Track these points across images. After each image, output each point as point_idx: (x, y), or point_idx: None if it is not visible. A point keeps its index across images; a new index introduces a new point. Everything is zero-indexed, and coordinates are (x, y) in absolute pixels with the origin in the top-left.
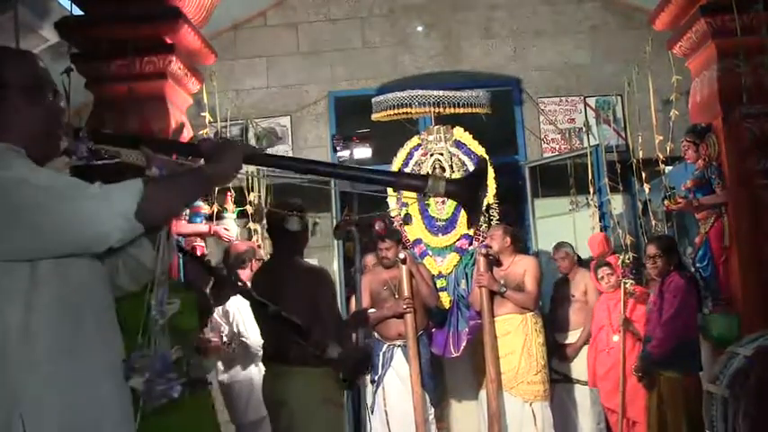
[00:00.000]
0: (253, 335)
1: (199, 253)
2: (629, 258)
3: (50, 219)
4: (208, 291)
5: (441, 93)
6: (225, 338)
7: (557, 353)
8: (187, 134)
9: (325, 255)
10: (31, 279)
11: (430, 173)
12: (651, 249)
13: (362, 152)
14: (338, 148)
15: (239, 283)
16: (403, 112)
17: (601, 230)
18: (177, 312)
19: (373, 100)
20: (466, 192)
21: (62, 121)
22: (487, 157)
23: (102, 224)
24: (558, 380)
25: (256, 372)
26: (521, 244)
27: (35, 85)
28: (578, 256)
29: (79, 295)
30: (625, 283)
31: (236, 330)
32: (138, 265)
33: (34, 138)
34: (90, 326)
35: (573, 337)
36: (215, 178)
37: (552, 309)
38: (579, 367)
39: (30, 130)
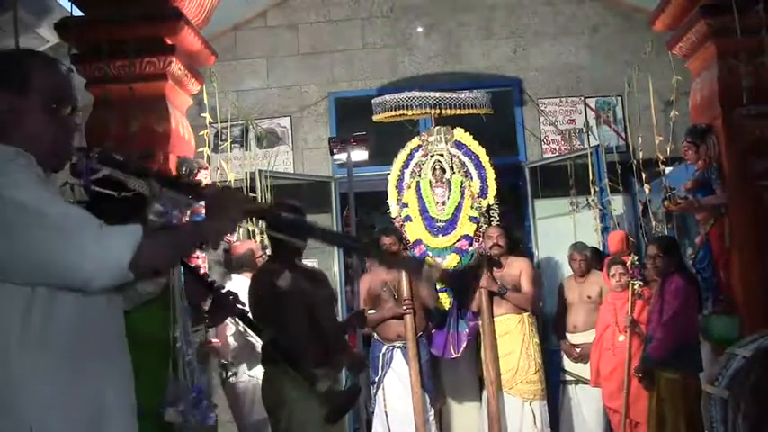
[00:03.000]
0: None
1: (200, 254)
2: (637, 259)
3: (40, 250)
4: (206, 309)
5: (440, 94)
6: (232, 338)
7: (567, 353)
8: (188, 135)
9: (325, 255)
10: (29, 298)
11: (430, 174)
12: (652, 250)
13: (359, 154)
14: (335, 151)
15: (237, 306)
16: (402, 114)
17: (602, 232)
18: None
19: (373, 102)
20: (458, 284)
21: (74, 137)
22: (488, 158)
23: (91, 268)
24: (570, 381)
25: (261, 372)
26: (520, 245)
27: (59, 96)
28: (599, 251)
29: (74, 315)
30: (633, 284)
31: (241, 329)
32: (132, 289)
33: (45, 149)
34: (88, 347)
35: (588, 336)
36: (212, 236)
37: (561, 309)
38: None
39: (42, 140)
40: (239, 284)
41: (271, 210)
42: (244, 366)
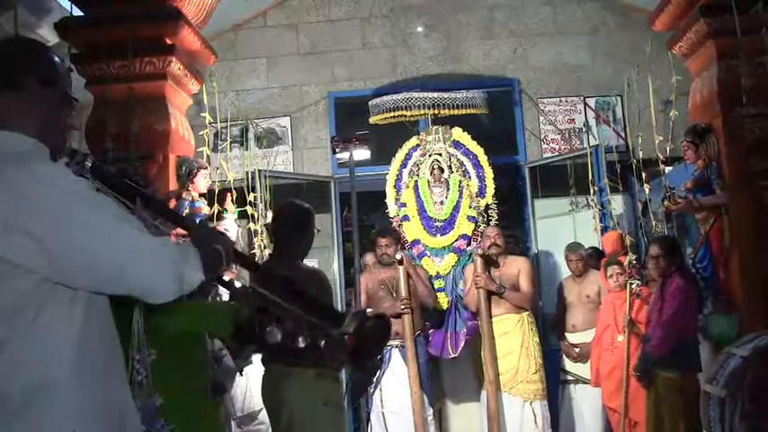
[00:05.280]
0: None
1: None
2: (635, 259)
3: (116, 267)
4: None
5: (436, 95)
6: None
7: (566, 353)
8: (187, 135)
9: (324, 256)
10: (71, 302)
11: (428, 173)
12: (654, 250)
13: (361, 153)
14: (337, 150)
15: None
16: (399, 115)
17: (601, 231)
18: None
19: (370, 103)
20: (366, 345)
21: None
22: (486, 157)
23: (169, 287)
24: (570, 381)
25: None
26: (519, 245)
27: (66, 84)
28: (600, 250)
29: (106, 321)
30: (631, 284)
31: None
32: None
33: (54, 138)
34: (112, 346)
35: (587, 336)
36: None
37: (561, 309)
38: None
39: (56, 129)
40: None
41: (255, 265)
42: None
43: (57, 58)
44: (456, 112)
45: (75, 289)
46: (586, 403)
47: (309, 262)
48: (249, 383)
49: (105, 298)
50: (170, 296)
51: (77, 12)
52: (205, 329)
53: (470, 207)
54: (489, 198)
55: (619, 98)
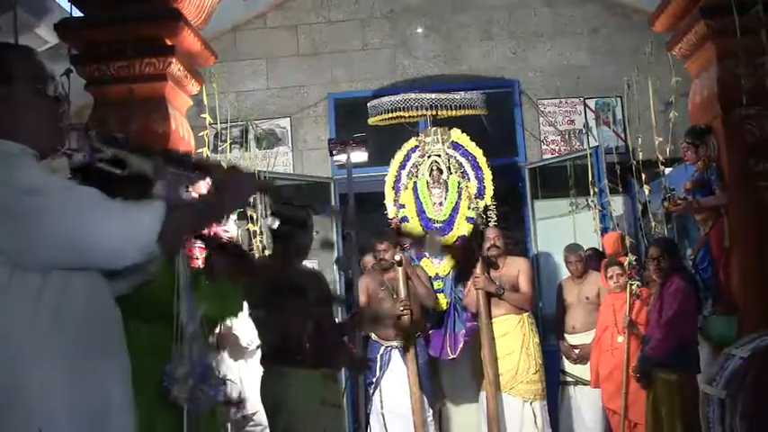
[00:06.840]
0: (244, 331)
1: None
2: (635, 260)
3: (65, 233)
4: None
5: (435, 96)
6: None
7: (565, 354)
8: (187, 136)
9: (325, 256)
10: (39, 290)
11: (427, 175)
12: (655, 251)
13: (359, 156)
14: (334, 153)
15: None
16: (398, 116)
17: (601, 232)
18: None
19: (369, 104)
20: (459, 253)
21: (64, 116)
22: (485, 159)
23: (123, 245)
24: (569, 382)
25: (245, 367)
26: (519, 246)
27: (41, 78)
28: (600, 251)
29: (84, 308)
30: (631, 285)
31: (228, 324)
32: (142, 271)
33: (40, 133)
34: (96, 339)
35: (586, 337)
36: (228, 209)
37: (560, 311)
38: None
39: (36, 126)
40: None
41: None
42: (229, 362)
43: (17, 52)
44: (455, 113)
45: (42, 279)
46: (586, 405)
47: (309, 263)
48: (244, 385)
49: (91, 288)
50: (134, 257)
51: (77, 12)
52: (222, 312)
53: (469, 208)
54: (488, 199)
55: (619, 99)
